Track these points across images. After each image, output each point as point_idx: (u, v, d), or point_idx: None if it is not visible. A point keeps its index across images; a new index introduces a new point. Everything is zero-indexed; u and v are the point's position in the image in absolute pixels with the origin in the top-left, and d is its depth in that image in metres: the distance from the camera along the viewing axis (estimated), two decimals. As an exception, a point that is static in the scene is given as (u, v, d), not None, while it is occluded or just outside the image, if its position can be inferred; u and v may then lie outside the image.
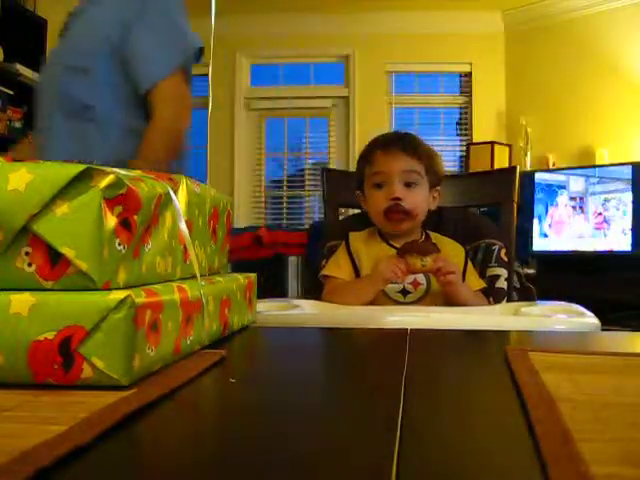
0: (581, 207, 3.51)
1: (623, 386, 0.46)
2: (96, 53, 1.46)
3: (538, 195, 3.63)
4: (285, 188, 4.85)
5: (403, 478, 0.28)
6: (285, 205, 4.84)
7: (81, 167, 0.43)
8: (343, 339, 0.76)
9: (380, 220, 1.23)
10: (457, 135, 4.64)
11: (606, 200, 3.41)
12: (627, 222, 3.30)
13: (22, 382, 0.43)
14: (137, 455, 0.34)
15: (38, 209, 0.42)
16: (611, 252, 3.35)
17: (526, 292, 1.38)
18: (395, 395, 0.43)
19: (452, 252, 1.21)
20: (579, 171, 3.60)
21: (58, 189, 0.43)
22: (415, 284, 1.18)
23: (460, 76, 4.61)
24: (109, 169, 0.45)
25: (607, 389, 0.44)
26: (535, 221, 3.61)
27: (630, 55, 3.81)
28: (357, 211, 1.43)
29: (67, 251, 0.43)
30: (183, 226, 0.56)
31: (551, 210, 3.60)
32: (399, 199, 1.19)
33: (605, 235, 3.40)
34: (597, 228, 3.44)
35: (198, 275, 0.57)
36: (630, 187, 3.30)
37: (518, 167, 1.46)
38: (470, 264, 1.24)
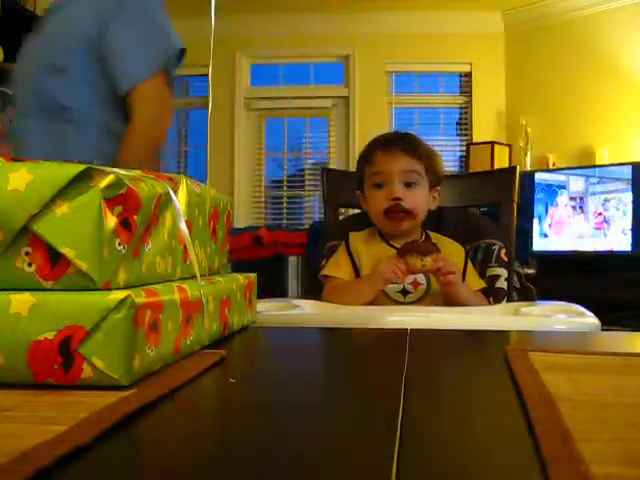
0: (581, 207, 3.51)
1: (623, 386, 0.46)
2: (73, 51, 1.42)
3: (538, 195, 3.63)
4: (285, 188, 4.85)
5: (403, 478, 0.28)
6: (285, 205, 4.84)
7: (81, 167, 0.43)
8: (343, 339, 0.76)
9: (380, 220, 1.23)
10: (457, 135, 4.64)
11: (606, 200, 3.41)
12: (627, 222, 3.30)
13: (22, 382, 0.43)
14: (137, 455, 0.34)
15: (38, 209, 0.42)
16: (611, 252, 3.35)
17: (526, 292, 1.38)
18: (395, 395, 0.43)
19: (452, 252, 1.21)
20: (579, 171, 3.60)
21: (58, 189, 0.43)
22: (415, 284, 1.18)
23: (460, 76, 4.61)
24: (109, 169, 0.45)
25: (607, 389, 0.44)
26: (535, 221, 3.61)
27: (630, 55, 3.81)
28: (357, 211, 1.43)
29: (67, 251, 0.43)
30: (183, 226, 0.56)
31: (551, 210, 3.60)
32: (399, 199, 1.19)
33: (605, 235, 3.40)
34: (597, 228, 3.44)
35: (198, 275, 0.57)
36: (630, 187, 3.30)
37: (518, 167, 1.46)
38: (470, 264, 1.24)
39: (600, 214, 3.43)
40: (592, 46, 3.93)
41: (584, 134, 3.94)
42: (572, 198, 3.55)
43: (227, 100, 4.60)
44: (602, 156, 3.78)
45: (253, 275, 0.78)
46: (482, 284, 1.23)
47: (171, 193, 0.54)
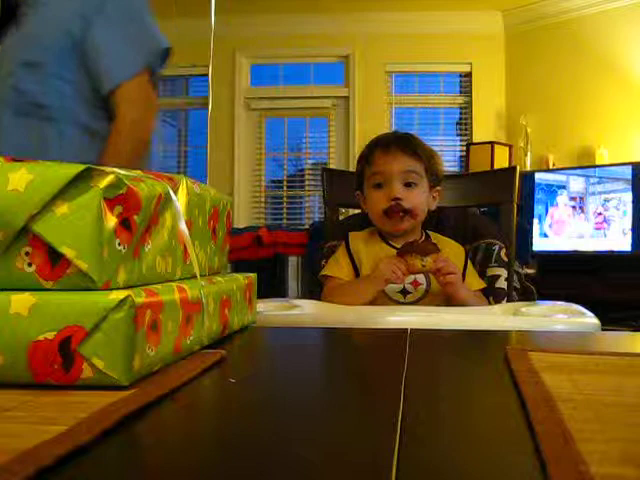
0: (581, 207, 3.52)
1: (623, 386, 0.46)
2: (54, 48, 1.37)
3: (538, 195, 3.63)
4: (285, 188, 4.85)
5: (403, 478, 0.28)
6: (285, 205, 4.84)
7: (81, 167, 0.43)
8: (343, 339, 0.76)
9: (380, 220, 1.23)
10: (457, 135, 4.64)
11: (606, 200, 3.41)
12: (627, 222, 3.30)
13: (22, 382, 0.43)
14: (137, 455, 0.34)
15: (38, 209, 0.42)
16: (611, 252, 3.35)
17: (526, 292, 1.38)
18: (395, 395, 0.43)
19: (452, 252, 1.21)
20: (579, 171, 3.60)
21: (58, 189, 0.43)
22: (415, 284, 1.18)
23: (460, 76, 4.61)
24: (109, 169, 0.45)
25: (607, 389, 0.44)
26: (535, 221, 3.61)
27: (630, 55, 3.81)
28: (357, 211, 1.43)
29: (67, 251, 0.43)
30: (183, 226, 0.56)
31: (551, 210, 3.60)
32: (399, 199, 1.19)
33: (605, 235, 3.41)
34: (597, 228, 3.44)
35: (198, 275, 0.57)
36: (630, 187, 3.30)
37: (518, 167, 1.46)
38: (470, 264, 1.24)
39: (600, 214, 3.43)
40: (592, 46, 3.93)
41: (584, 134, 3.94)
42: (572, 198, 3.55)
43: (227, 100, 4.60)
44: (602, 156, 3.78)
45: (253, 275, 0.78)
46: (482, 284, 1.23)
47: (171, 193, 0.54)
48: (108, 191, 0.44)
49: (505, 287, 1.26)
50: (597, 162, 3.73)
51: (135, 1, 1.46)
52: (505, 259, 1.28)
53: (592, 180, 3.50)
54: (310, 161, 4.86)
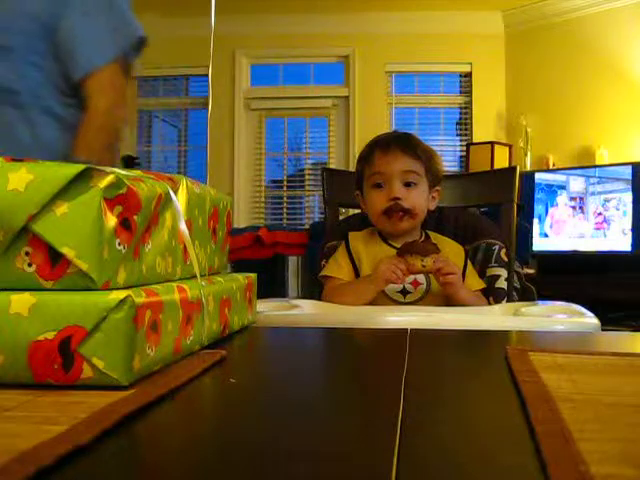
0: (581, 207, 3.51)
1: (623, 386, 0.46)
2: (22, 33, 1.33)
3: (538, 195, 3.63)
4: (285, 188, 4.85)
5: (403, 478, 0.28)
6: (285, 205, 4.84)
7: (81, 167, 0.43)
8: (343, 339, 0.76)
9: (379, 220, 1.23)
10: (457, 135, 4.64)
11: (606, 200, 3.41)
12: (627, 222, 3.30)
13: (22, 382, 0.43)
14: (137, 455, 0.34)
15: (38, 209, 0.43)
16: (611, 252, 3.35)
17: (526, 292, 1.37)
18: (395, 395, 0.43)
19: (452, 252, 1.21)
20: (579, 171, 3.60)
21: (58, 189, 0.43)
22: (415, 284, 1.18)
23: (460, 76, 4.61)
24: (109, 169, 0.45)
25: (607, 389, 0.44)
26: (535, 221, 3.61)
27: (630, 55, 3.81)
28: (357, 211, 1.43)
29: (67, 251, 0.43)
30: (183, 226, 0.56)
31: (551, 210, 3.60)
32: (399, 199, 1.19)
33: (605, 235, 3.40)
34: (597, 228, 3.44)
35: (198, 275, 0.57)
36: (630, 187, 3.30)
37: (518, 167, 1.46)
38: (470, 264, 1.24)
39: (600, 214, 3.43)
40: (592, 46, 3.93)
41: (584, 134, 3.94)
42: (572, 198, 3.55)
43: (227, 100, 4.60)
44: (602, 156, 3.78)
45: (253, 275, 0.78)
46: (482, 284, 1.23)
47: (171, 193, 0.54)
48: (108, 191, 0.44)
49: (505, 287, 1.26)
50: (597, 162, 3.73)
51: None
52: (505, 259, 1.28)
53: (592, 180, 3.50)
54: (310, 161, 4.86)
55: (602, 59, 3.88)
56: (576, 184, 3.55)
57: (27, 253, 0.44)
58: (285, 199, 4.85)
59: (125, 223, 0.46)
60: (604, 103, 3.86)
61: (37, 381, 0.42)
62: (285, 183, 4.86)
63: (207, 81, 4.52)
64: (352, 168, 1.40)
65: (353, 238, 1.26)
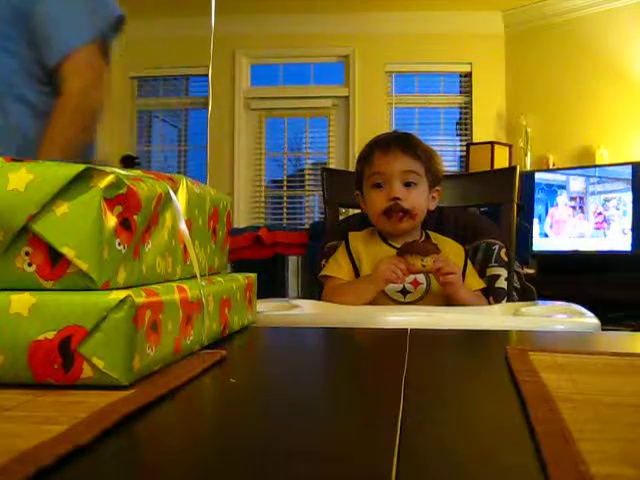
0: (581, 207, 3.51)
1: (623, 386, 0.46)
2: None
3: (538, 195, 3.63)
4: (285, 188, 4.85)
5: (403, 478, 0.28)
6: (285, 205, 4.84)
7: (81, 167, 0.43)
8: (343, 339, 0.76)
9: (379, 220, 1.23)
10: (457, 135, 4.64)
11: (606, 200, 3.41)
12: (627, 222, 3.30)
13: (22, 382, 0.43)
14: (137, 455, 0.34)
15: (38, 209, 0.42)
16: (611, 252, 3.35)
17: (526, 292, 1.37)
18: (395, 395, 0.43)
19: (452, 252, 1.21)
20: (579, 171, 3.60)
21: (58, 189, 0.43)
22: (415, 284, 1.18)
23: (460, 76, 4.61)
24: (109, 169, 0.45)
25: (607, 389, 0.44)
26: (535, 221, 3.61)
27: (630, 55, 3.81)
28: (357, 211, 1.43)
29: (67, 251, 0.43)
30: (183, 226, 0.56)
31: (551, 210, 3.60)
32: (398, 199, 1.19)
33: (605, 235, 3.40)
34: (597, 228, 3.44)
35: (198, 275, 0.57)
36: (630, 187, 3.30)
37: (518, 167, 1.46)
38: (470, 264, 1.24)
39: (600, 214, 3.43)
40: (592, 46, 3.93)
41: (584, 134, 3.94)
42: (572, 198, 3.55)
43: (227, 100, 4.60)
44: (602, 156, 3.78)
45: (253, 275, 0.78)
46: (482, 284, 1.23)
47: (171, 193, 0.54)
48: (108, 191, 0.44)
49: (505, 287, 1.26)
50: (597, 162, 3.73)
51: None
52: (505, 259, 1.28)
53: (592, 180, 3.50)
54: (310, 161, 4.86)
55: (602, 59, 3.88)
56: (576, 184, 3.55)
57: (27, 253, 0.44)
58: (285, 199, 4.85)
59: (125, 223, 0.46)
60: (604, 103, 3.86)
61: (37, 381, 0.42)
62: (285, 183, 4.86)
63: (207, 81, 4.53)
64: (352, 168, 1.40)
65: (353, 238, 1.26)
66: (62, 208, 0.43)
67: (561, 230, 3.57)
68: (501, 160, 4.05)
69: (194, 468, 0.30)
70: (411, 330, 0.73)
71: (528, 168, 3.98)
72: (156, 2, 4.26)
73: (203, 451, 0.32)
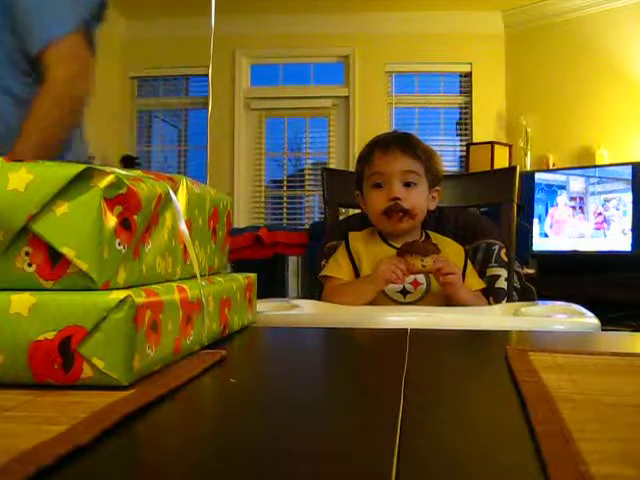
0: (581, 207, 3.52)
1: (623, 386, 0.46)
2: None
3: (538, 195, 3.63)
4: (285, 188, 4.85)
5: (403, 478, 0.28)
6: (285, 205, 4.84)
7: (81, 167, 0.43)
8: (343, 339, 0.76)
9: (379, 220, 1.23)
10: (457, 135, 4.64)
11: (606, 200, 3.41)
12: (627, 222, 3.30)
13: (22, 382, 0.43)
14: (137, 455, 0.34)
15: (38, 209, 0.42)
16: (611, 252, 3.35)
17: (526, 292, 1.37)
18: (395, 395, 0.43)
19: (452, 252, 1.21)
20: (579, 171, 3.60)
21: (58, 189, 0.43)
22: (415, 284, 1.18)
23: (460, 76, 4.61)
24: (109, 169, 0.45)
25: (607, 389, 0.44)
26: (535, 221, 3.61)
27: (630, 55, 3.81)
28: (357, 211, 1.43)
29: (67, 251, 0.43)
30: (183, 226, 0.56)
31: (551, 210, 3.60)
32: (398, 199, 1.19)
33: (605, 235, 3.40)
34: (597, 228, 3.44)
35: (198, 275, 0.57)
36: (630, 187, 3.30)
37: (518, 167, 1.46)
38: (470, 264, 1.24)
39: (600, 214, 3.43)
40: (592, 46, 3.93)
41: (584, 134, 3.94)
42: (572, 198, 3.55)
43: (227, 100, 4.60)
44: (602, 156, 3.78)
45: (253, 275, 0.78)
46: (482, 284, 1.23)
47: (171, 193, 0.54)
48: (108, 191, 0.44)
49: (505, 287, 1.26)
50: (597, 162, 3.73)
51: None
52: (505, 259, 1.28)
53: (592, 180, 3.50)
54: (310, 161, 4.86)
55: (602, 59, 3.88)
56: (576, 184, 3.55)
57: (27, 253, 0.44)
58: (285, 199, 4.85)
59: (125, 223, 0.46)
60: (604, 103, 3.86)
61: (37, 381, 0.42)
62: (285, 183, 4.86)
63: (207, 81, 4.53)
64: (352, 168, 1.40)
65: (353, 238, 1.26)
66: (62, 208, 0.43)
67: (561, 230, 3.57)
68: (501, 160, 4.05)
69: (194, 468, 0.30)
70: (411, 330, 0.73)
71: (528, 168, 3.98)
72: (156, 2, 4.26)
73: (203, 451, 0.32)
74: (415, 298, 1.18)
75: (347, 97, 4.62)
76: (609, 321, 2.37)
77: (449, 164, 4.50)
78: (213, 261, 0.69)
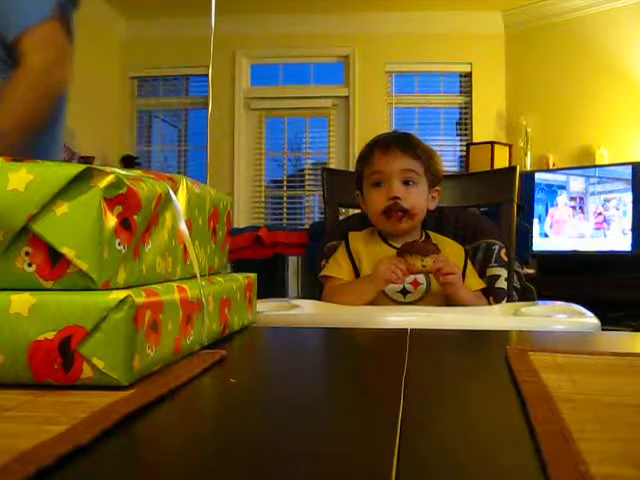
0: (581, 207, 3.52)
1: (623, 386, 0.46)
2: None
3: (538, 195, 3.63)
4: (285, 188, 4.85)
5: (403, 478, 0.28)
6: (285, 205, 4.84)
7: (81, 167, 0.43)
8: (343, 339, 0.76)
9: (379, 220, 1.23)
10: (457, 135, 4.64)
11: (606, 200, 3.41)
12: (627, 222, 3.30)
13: (22, 382, 0.43)
14: (137, 455, 0.34)
15: (38, 209, 0.42)
16: (611, 252, 3.35)
17: (526, 292, 1.37)
18: (395, 395, 0.43)
19: (452, 252, 1.21)
20: (579, 171, 3.60)
21: (58, 189, 0.43)
22: (415, 284, 1.18)
23: (460, 76, 4.61)
24: (109, 169, 0.45)
25: (607, 389, 0.44)
26: (535, 221, 3.61)
27: (630, 55, 3.81)
28: (357, 211, 1.43)
29: (67, 251, 0.43)
30: (183, 226, 0.56)
31: (551, 210, 3.60)
32: (398, 198, 1.19)
33: (605, 235, 3.40)
34: (597, 228, 3.44)
35: (198, 275, 0.57)
36: (630, 187, 3.30)
37: (518, 167, 1.46)
38: (470, 264, 1.24)
39: (600, 214, 3.43)
40: (592, 46, 3.93)
41: (584, 134, 3.94)
42: (572, 198, 3.55)
43: (227, 100, 4.60)
44: (602, 156, 3.78)
45: (253, 275, 0.78)
46: (482, 284, 1.23)
47: (171, 193, 0.54)
48: (108, 191, 0.44)
49: (505, 287, 1.26)
50: (597, 162, 3.73)
51: None
52: (505, 259, 1.28)
53: (592, 180, 3.50)
54: (310, 161, 4.86)
55: (602, 59, 3.88)
56: (576, 184, 3.55)
57: (27, 253, 0.44)
58: (285, 199, 4.85)
59: (125, 223, 0.46)
60: (604, 103, 3.86)
61: (37, 381, 0.42)
62: (285, 183, 4.86)
63: (207, 81, 4.53)
64: (352, 168, 1.40)
65: (353, 238, 1.26)
66: (62, 208, 0.43)
67: (561, 230, 3.57)
68: (501, 160, 4.05)
69: (194, 468, 0.30)
70: (411, 330, 0.73)
71: (528, 168, 3.98)
72: (156, 2, 4.27)
73: (203, 451, 0.32)
74: (415, 298, 1.18)
75: (347, 97, 4.62)
76: (609, 321, 2.37)
77: (449, 164, 4.50)
78: (213, 261, 0.69)
